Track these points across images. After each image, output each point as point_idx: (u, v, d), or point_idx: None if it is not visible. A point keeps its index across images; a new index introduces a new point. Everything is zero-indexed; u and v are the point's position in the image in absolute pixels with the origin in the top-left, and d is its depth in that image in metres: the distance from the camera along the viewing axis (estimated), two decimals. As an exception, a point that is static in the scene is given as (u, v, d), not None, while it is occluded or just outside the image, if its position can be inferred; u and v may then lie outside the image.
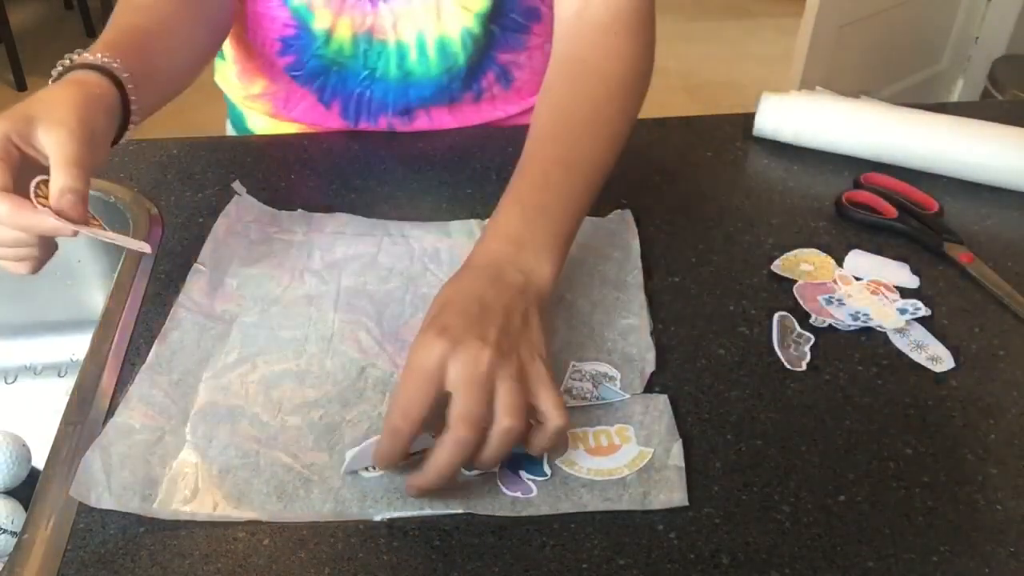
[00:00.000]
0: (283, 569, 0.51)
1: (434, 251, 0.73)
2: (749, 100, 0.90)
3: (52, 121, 0.56)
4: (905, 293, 0.70)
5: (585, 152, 0.66)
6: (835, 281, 0.71)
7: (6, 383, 0.85)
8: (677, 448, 0.57)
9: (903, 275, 0.72)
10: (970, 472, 0.57)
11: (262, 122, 0.95)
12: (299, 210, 0.77)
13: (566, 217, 0.63)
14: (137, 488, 0.54)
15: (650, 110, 0.79)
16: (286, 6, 0.84)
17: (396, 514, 0.53)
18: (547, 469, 0.56)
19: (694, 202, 0.81)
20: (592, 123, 0.68)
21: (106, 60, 0.62)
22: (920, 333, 0.67)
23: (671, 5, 3.62)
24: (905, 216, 0.78)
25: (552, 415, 0.53)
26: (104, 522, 0.53)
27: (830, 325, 0.67)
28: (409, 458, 0.54)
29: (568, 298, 0.69)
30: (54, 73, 0.62)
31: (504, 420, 0.51)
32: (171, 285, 0.70)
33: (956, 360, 0.65)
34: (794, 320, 0.68)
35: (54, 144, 0.56)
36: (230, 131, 1.01)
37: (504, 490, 0.55)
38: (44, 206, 0.55)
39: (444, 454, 0.51)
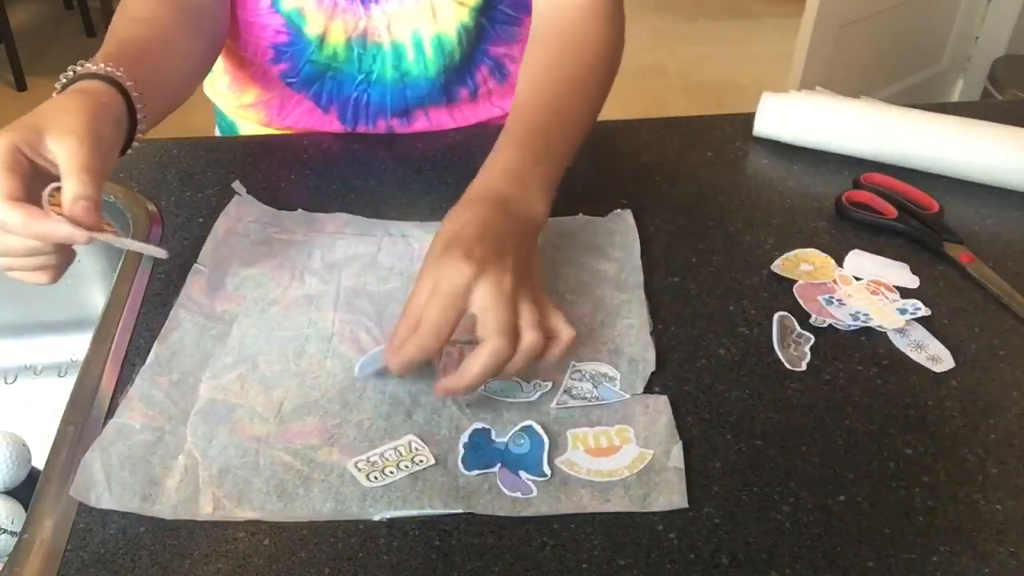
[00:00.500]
0: (283, 569, 0.51)
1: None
2: (749, 100, 0.90)
3: (61, 130, 0.56)
4: (905, 293, 0.70)
5: (572, 110, 0.72)
6: (835, 281, 0.71)
7: (6, 383, 0.85)
8: (677, 450, 0.57)
9: (903, 275, 0.72)
10: (970, 472, 0.57)
11: (254, 132, 0.94)
12: (299, 210, 0.77)
13: (557, 165, 0.67)
14: (137, 488, 0.54)
15: (650, 110, 0.80)
16: (278, 12, 0.83)
17: (396, 514, 0.53)
18: (547, 469, 0.56)
19: (694, 202, 0.81)
20: (578, 87, 0.73)
21: (110, 70, 0.62)
22: (920, 333, 0.67)
23: (671, 5, 3.62)
24: (905, 216, 0.78)
25: (564, 329, 0.58)
26: (104, 522, 0.53)
27: (830, 325, 0.67)
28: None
29: (568, 298, 0.69)
30: (58, 84, 0.62)
31: (530, 333, 0.56)
32: (171, 285, 0.70)
33: (956, 360, 0.65)
34: (794, 320, 0.68)
35: (64, 152, 0.56)
36: None
37: (504, 490, 0.55)
38: (58, 214, 0.55)
39: (481, 362, 0.55)
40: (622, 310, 0.68)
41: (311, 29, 0.84)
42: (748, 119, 0.89)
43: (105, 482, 0.54)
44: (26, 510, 0.57)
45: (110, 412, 0.59)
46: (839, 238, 0.77)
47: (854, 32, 2.21)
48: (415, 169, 0.84)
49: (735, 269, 0.73)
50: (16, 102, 2.96)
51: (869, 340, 0.67)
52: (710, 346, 0.66)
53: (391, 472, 0.56)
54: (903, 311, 0.68)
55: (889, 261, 0.74)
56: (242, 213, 0.77)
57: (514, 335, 0.56)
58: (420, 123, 0.90)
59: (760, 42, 3.41)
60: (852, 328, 0.67)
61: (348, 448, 0.57)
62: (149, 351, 0.63)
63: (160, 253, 0.62)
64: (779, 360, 0.65)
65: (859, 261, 0.74)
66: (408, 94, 0.88)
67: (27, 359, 0.87)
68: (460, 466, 0.56)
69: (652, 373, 0.63)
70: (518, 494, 0.55)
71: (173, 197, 0.80)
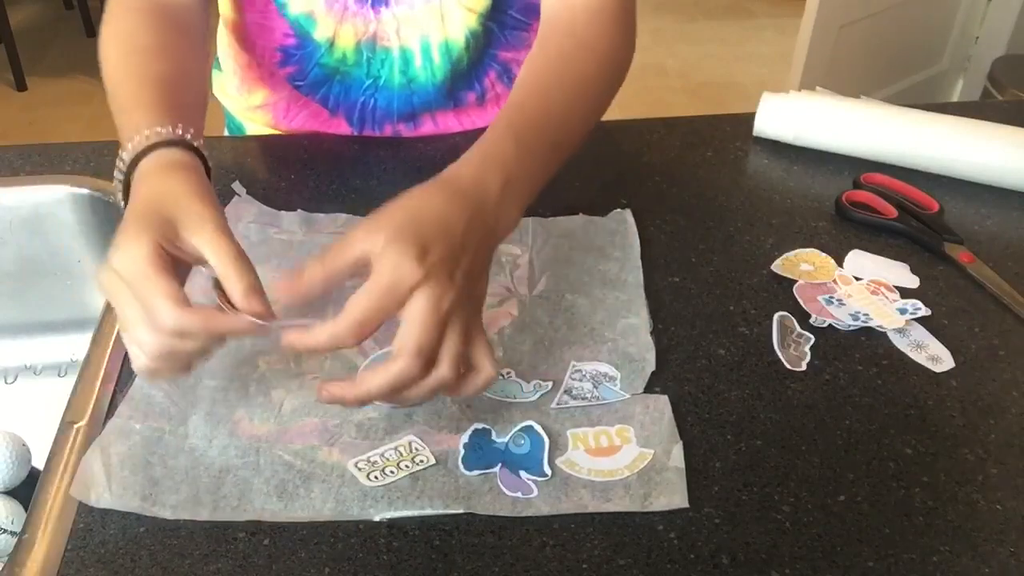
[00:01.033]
0: (283, 569, 0.51)
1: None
2: (749, 100, 0.90)
3: (195, 220, 0.54)
4: (905, 293, 0.70)
5: (574, 111, 0.67)
6: (835, 281, 0.71)
7: (6, 383, 0.85)
8: (677, 450, 0.57)
9: (903, 275, 0.72)
10: (970, 472, 0.57)
11: (261, 132, 0.94)
12: (299, 210, 0.77)
13: (544, 168, 0.62)
14: (137, 488, 0.54)
15: (650, 110, 0.80)
16: (284, 17, 0.83)
17: (396, 514, 0.53)
18: (547, 469, 0.56)
19: (694, 202, 0.81)
20: (582, 88, 0.68)
21: (180, 133, 0.60)
22: (920, 333, 0.67)
23: (671, 5, 3.62)
24: (905, 216, 0.78)
25: (486, 367, 0.54)
26: (104, 522, 0.53)
27: (830, 325, 0.67)
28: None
29: (568, 298, 0.69)
30: (127, 153, 0.59)
31: (445, 367, 0.52)
32: (171, 285, 0.70)
33: (956, 360, 0.65)
34: (794, 320, 0.68)
35: (210, 244, 0.54)
36: None
37: (504, 490, 0.55)
38: (230, 307, 0.53)
39: (381, 379, 0.51)
40: (622, 310, 0.68)
41: (321, 33, 0.83)
42: (748, 119, 0.89)
43: (105, 482, 0.54)
44: (26, 510, 0.57)
45: (110, 412, 0.59)
46: (839, 238, 0.77)
47: (854, 32, 2.21)
48: (415, 169, 0.84)
49: (735, 269, 0.73)
50: (16, 102, 2.96)
51: (869, 340, 0.67)
52: (710, 346, 0.66)
53: (391, 472, 0.56)
54: (903, 311, 0.68)
55: (889, 261, 0.74)
56: (242, 213, 0.77)
57: (430, 361, 0.51)
58: (427, 127, 0.90)
59: (760, 42, 3.41)
60: (852, 328, 0.67)
61: (348, 448, 0.57)
62: (149, 351, 0.63)
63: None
64: (779, 360, 0.65)
65: (859, 261, 0.74)
66: (415, 100, 0.87)
67: (27, 359, 0.87)
68: (460, 466, 0.56)
69: (652, 373, 0.63)
70: (518, 494, 0.55)
71: (173, 197, 0.80)
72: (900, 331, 0.67)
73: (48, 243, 0.84)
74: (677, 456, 0.57)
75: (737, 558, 0.52)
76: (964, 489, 0.56)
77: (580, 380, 0.62)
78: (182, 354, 0.54)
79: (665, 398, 0.61)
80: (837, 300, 0.69)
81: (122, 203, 0.60)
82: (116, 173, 0.60)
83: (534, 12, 0.86)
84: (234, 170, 0.84)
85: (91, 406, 0.60)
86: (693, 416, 0.60)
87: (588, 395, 0.61)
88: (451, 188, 0.56)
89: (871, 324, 0.67)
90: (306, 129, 0.91)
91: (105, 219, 0.83)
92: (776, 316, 0.68)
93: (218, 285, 0.54)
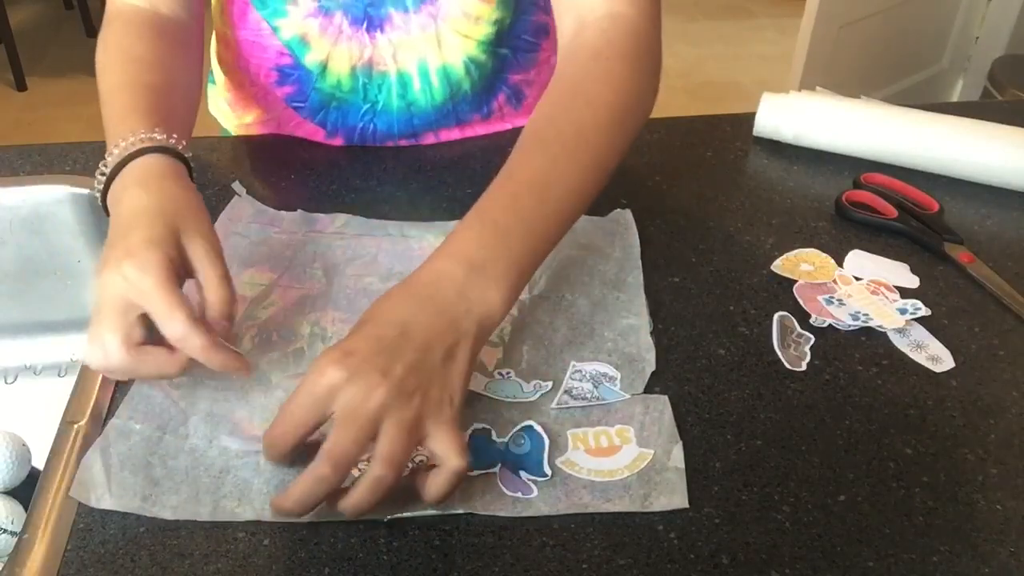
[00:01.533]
0: (283, 569, 0.51)
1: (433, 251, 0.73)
2: (749, 100, 0.90)
3: (194, 233, 0.58)
4: (905, 293, 0.70)
5: (561, 177, 0.60)
6: (835, 281, 0.71)
7: (6, 383, 0.85)
8: (677, 450, 0.57)
9: (903, 275, 0.72)
10: (970, 472, 0.57)
11: None
12: (299, 211, 0.77)
13: (529, 245, 0.57)
14: (137, 488, 0.54)
15: (650, 110, 0.79)
16: (276, 37, 0.82)
17: (396, 514, 0.53)
18: (547, 470, 0.56)
19: (694, 202, 0.81)
20: (574, 148, 0.62)
21: (172, 142, 0.63)
22: (920, 333, 0.67)
23: (671, 5, 3.62)
24: (905, 216, 0.78)
25: (448, 456, 0.50)
26: (104, 522, 0.53)
27: (830, 325, 0.67)
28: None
29: (568, 298, 0.69)
30: (118, 151, 0.62)
31: (375, 467, 0.49)
32: (171, 285, 0.70)
33: (956, 360, 0.65)
34: (794, 320, 0.68)
35: (203, 259, 0.58)
36: None
37: (504, 490, 0.55)
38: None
39: (302, 485, 0.49)
40: (622, 310, 0.68)
41: (313, 58, 0.82)
42: (748, 119, 0.89)
43: (105, 483, 0.54)
44: (26, 510, 0.57)
45: (110, 412, 0.59)
46: (839, 238, 0.77)
47: (854, 32, 2.21)
48: (415, 170, 0.84)
49: (735, 269, 0.73)
50: (16, 102, 2.96)
51: (869, 340, 0.67)
52: (710, 346, 0.66)
53: (391, 472, 0.55)
54: (903, 311, 0.68)
55: (889, 261, 0.74)
56: (242, 213, 0.77)
57: (345, 461, 0.49)
58: (428, 140, 0.89)
59: (760, 42, 3.42)
60: (852, 328, 0.67)
61: None
62: (149, 351, 0.63)
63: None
64: (779, 360, 0.65)
65: (859, 261, 0.74)
66: (415, 121, 0.86)
67: (27, 359, 0.87)
68: (460, 466, 0.56)
69: (652, 373, 0.63)
70: (518, 494, 0.55)
71: (173, 197, 0.80)
72: (900, 331, 0.67)
73: (48, 243, 0.84)
74: (677, 456, 0.57)
75: (737, 558, 0.52)
76: (964, 489, 0.56)
77: (580, 380, 0.62)
78: (182, 367, 0.57)
79: (665, 398, 0.61)
80: (837, 300, 0.69)
81: (100, 200, 0.63)
82: (99, 172, 0.63)
83: (542, 32, 0.86)
84: (234, 170, 0.84)
85: (91, 406, 0.60)
86: (693, 416, 0.60)
87: (588, 395, 0.61)
88: (398, 290, 0.55)
89: (871, 324, 0.67)
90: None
91: (105, 219, 0.82)
92: (776, 316, 0.68)
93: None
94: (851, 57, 2.25)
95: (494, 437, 0.58)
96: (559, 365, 0.63)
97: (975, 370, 0.64)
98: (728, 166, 0.86)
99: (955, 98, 2.68)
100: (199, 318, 0.56)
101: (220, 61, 0.92)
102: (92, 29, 3.30)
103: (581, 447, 0.57)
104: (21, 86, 3.00)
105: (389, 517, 0.53)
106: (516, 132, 0.75)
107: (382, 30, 0.80)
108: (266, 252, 0.73)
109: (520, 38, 0.85)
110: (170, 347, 0.56)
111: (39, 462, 0.63)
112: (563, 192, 0.60)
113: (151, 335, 0.56)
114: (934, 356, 0.65)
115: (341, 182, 0.82)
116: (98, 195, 0.63)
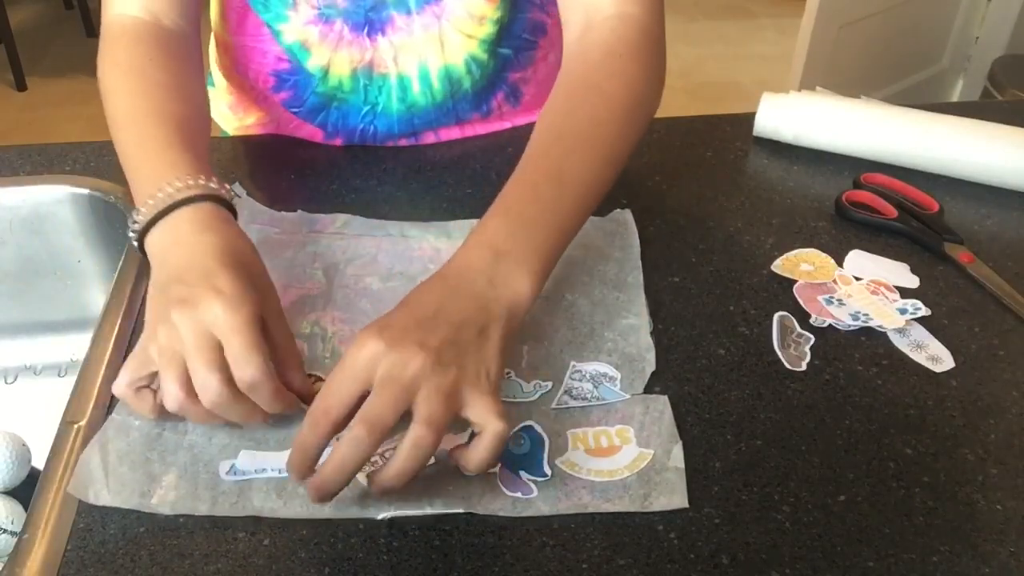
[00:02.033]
0: (283, 569, 0.51)
1: (434, 251, 0.73)
2: (749, 100, 0.90)
3: (268, 292, 0.60)
4: (905, 293, 0.70)
5: (579, 169, 0.62)
6: (835, 281, 0.71)
7: (6, 383, 0.86)
8: (677, 450, 0.57)
9: (903, 275, 0.72)
10: (970, 472, 0.57)
11: None
12: (299, 211, 0.77)
13: (552, 233, 0.59)
14: (136, 485, 0.54)
15: (650, 110, 0.79)
16: (277, 43, 0.82)
17: (396, 513, 0.53)
18: (547, 469, 0.56)
19: (694, 202, 0.81)
20: (589, 141, 0.64)
21: (224, 192, 0.62)
22: (920, 333, 0.67)
23: (671, 5, 3.60)
24: (905, 216, 0.78)
25: (488, 419, 0.51)
26: (104, 522, 0.53)
27: (830, 325, 0.67)
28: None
29: (568, 298, 0.69)
30: (164, 195, 0.59)
31: (415, 428, 0.49)
32: (171, 285, 0.70)
33: (956, 360, 0.65)
34: (794, 320, 0.68)
35: (278, 320, 0.59)
36: None
37: (504, 490, 0.55)
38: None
39: (339, 452, 0.49)
40: (622, 310, 0.68)
41: (314, 62, 0.82)
42: (748, 119, 0.89)
43: (103, 479, 0.54)
44: (26, 510, 0.57)
45: (109, 411, 0.59)
46: (839, 238, 0.77)
47: (854, 32, 2.21)
48: (415, 170, 0.84)
49: (735, 269, 0.73)
50: (16, 102, 2.96)
51: (869, 340, 0.67)
52: (710, 346, 0.66)
53: (391, 472, 0.55)
54: (903, 311, 0.68)
55: (889, 261, 0.74)
56: (241, 214, 0.76)
57: (381, 424, 0.49)
58: (428, 140, 0.89)
59: (760, 42, 3.42)
60: (852, 328, 0.67)
61: None
62: (149, 351, 0.63)
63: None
64: (779, 360, 0.65)
65: (859, 261, 0.74)
66: (416, 121, 0.86)
67: (27, 359, 0.87)
68: (460, 466, 0.56)
69: (652, 373, 0.63)
70: (518, 494, 0.55)
71: (173, 197, 0.80)
72: (900, 331, 0.67)
73: (48, 243, 0.84)
74: (677, 456, 0.57)
75: (737, 558, 0.52)
76: (964, 489, 0.56)
77: (580, 380, 0.62)
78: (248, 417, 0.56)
79: (665, 398, 0.61)
80: (837, 300, 0.69)
81: (137, 239, 0.61)
82: (139, 214, 0.60)
83: (540, 30, 0.86)
84: (234, 170, 0.84)
85: (91, 406, 0.60)
86: (693, 416, 0.60)
87: (588, 395, 0.61)
88: (430, 281, 0.57)
89: (871, 324, 0.67)
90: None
91: (105, 219, 0.83)
92: (776, 316, 0.68)
93: None
94: (851, 57, 2.25)
95: (494, 437, 0.58)
96: (559, 365, 0.63)
97: (975, 370, 0.64)
98: (728, 166, 0.86)
99: (955, 98, 2.68)
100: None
101: (219, 65, 0.92)
102: (92, 29, 3.30)
103: (581, 447, 0.57)
104: (21, 86, 3.00)
105: (389, 517, 0.53)
106: (516, 131, 0.75)
107: (383, 33, 0.80)
108: (266, 252, 0.72)
109: (520, 37, 0.85)
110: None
111: (39, 462, 0.63)
112: (580, 183, 0.62)
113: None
114: (934, 356, 0.65)
115: (341, 182, 0.82)
116: (134, 235, 0.61)
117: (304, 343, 0.65)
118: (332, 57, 0.82)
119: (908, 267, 0.73)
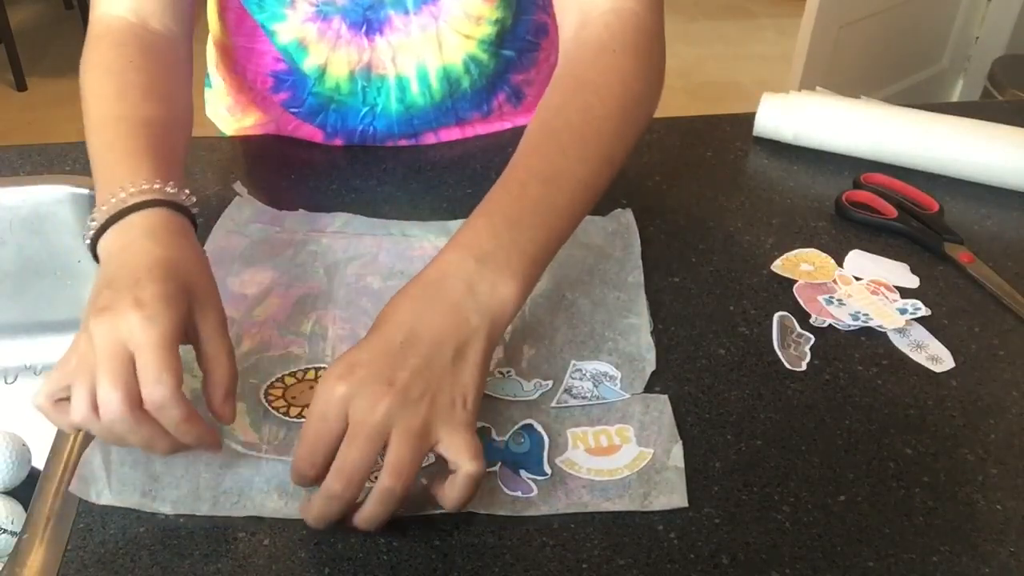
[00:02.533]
0: (283, 569, 0.51)
1: (435, 250, 0.72)
2: (749, 100, 0.90)
3: (205, 305, 0.55)
4: (905, 293, 0.70)
5: (571, 168, 0.60)
6: (835, 281, 0.71)
7: (6, 383, 0.86)
8: (677, 449, 0.57)
9: (903, 275, 0.72)
10: (970, 472, 0.57)
11: None
12: (300, 210, 0.77)
13: (541, 232, 0.57)
14: (137, 484, 0.54)
15: (650, 110, 0.79)
16: (272, 44, 0.82)
17: (396, 514, 0.53)
18: (547, 469, 0.56)
19: (694, 202, 0.81)
20: (582, 139, 0.61)
21: (183, 198, 0.59)
22: (920, 333, 0.67)
23: (671, 5, 3.60)
24: (905, 216, 0.78)
25: (461, 461, 0.49)
26: (104, 522, 0.53)
27: (830, 325, 0.67)
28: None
29: (569, 297, 0.69)
30: (124, 194, 0.57)
31: (384, 479, 0.48)
32: (171, 285, 0.70)
33: (956, 360, 0.65)
34: (794, 320, 0.68)
35: (215, 333, 0.55)
36: None
37: (504, 490, 0.55)
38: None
39: (317, 503, 0.50)
40: (622, 310, 0.68)
41: (311, 62, 0.81)
42: (748, 119, 0.89)
43: (105, 478, 0.54)
44: (26, 510, 0.57)
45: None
46: (839, 238, 0.77)
47: (854, 32, 2.21)
48: (415, 169, 0.84)
49: (735, 269, 0.73)
50: (16, 102, 2.96)
51: (869, 340, 0.67)
52: (710, 346, 0.66)
53: (391, 472, 0.55)
54: (903, 311, 0.68)
55: (889, 261, 0.74)
56: (243, 213, 0.77)
57: (356, 476, 0.48)
58: (428, 140, 0.89)
59: (760, 42, 3.41)
60: (852, 328, 0.67)
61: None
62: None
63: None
64: (779, 360, 0.65)
65: (859, 261, 0.74)
66: (415, 122, 0.86)
67: (27, 359, 0.87)
68: (460, 466, 0.56)
69: (652, 373, 0.63)
70: (518, 493, 0.55)
71: (173, 197, 0.80)
72: (900, 331, 0.67)
73: (48, 243, 0.84)
74: (677, 456, 0.57)
75: (737, 558, 0.52)
76: (964, 489, 0.56)
77: (580, 379, 0.62)
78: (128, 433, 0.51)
79: (665, 398, 0.61)
80: (837, 300, 0.69)
81: (90, 244, 0.58)
82: (93, 214, 0.58)
83: (542, 31, 0.86)
84: (234, 170, 0.84)
85: (91, 406, 0.60)
86: (693, 416, 0.60)
87: (588, 394, 0.61)
88: (406, 290, 0.54)
89: (871, 324, 0.67)
90: None
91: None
92: (776, 316, 0.68)
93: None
94: (851, 57, 2.25)
95: (494, 436, 0.58)
96: (559, 364, 0.63)
97: (975, 370, 0.64)
98: (728, 166, 0.86)
99: (955, 98, 2.68)
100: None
101: (218, 67, 0.91)
102: (92, 29, 3.29)
103: (581, 446, 0.57)
104: (21, 86, 3.00)
105: (389, 517, 0.53)
106: (516, 131, 0.75)
107: (381, 33, 0.80)
108: (267, 251, 0.73)
109: (523, 39, 0.85)
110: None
111: (39, 462, 0.63)
112: (573, 182, 0.60)
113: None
114: (934, 356, 0.65)
115: (341, 182, 0.82)
116: (88, 240, 0.58)
117: (305, 342, 0.65)
118: (330, 57, 0.81)
119: (908, 267, 0.73)
